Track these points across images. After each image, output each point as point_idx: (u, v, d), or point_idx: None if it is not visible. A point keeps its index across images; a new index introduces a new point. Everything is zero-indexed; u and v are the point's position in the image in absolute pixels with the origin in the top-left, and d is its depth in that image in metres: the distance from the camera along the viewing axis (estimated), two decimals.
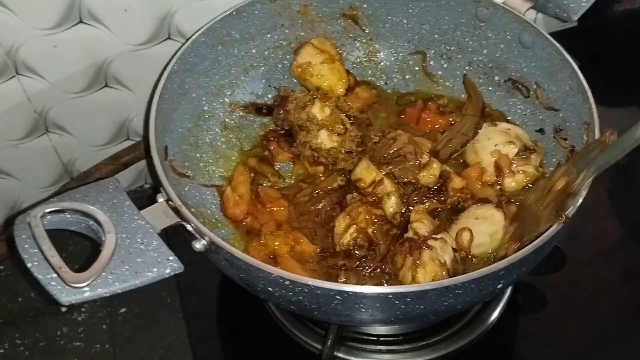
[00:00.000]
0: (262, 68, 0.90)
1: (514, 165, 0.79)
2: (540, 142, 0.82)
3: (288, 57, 0.91)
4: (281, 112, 0.86)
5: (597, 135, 0.69)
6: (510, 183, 0.79)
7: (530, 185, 0.79)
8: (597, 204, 0.91)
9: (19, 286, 0.96)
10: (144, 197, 0.61)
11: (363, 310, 0.59)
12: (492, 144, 0.80)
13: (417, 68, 0.93)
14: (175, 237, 0.65)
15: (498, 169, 0.79)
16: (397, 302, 0.57)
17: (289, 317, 0.79)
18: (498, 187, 0.79)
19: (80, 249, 0.92)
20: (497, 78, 0.88)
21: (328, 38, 0.91)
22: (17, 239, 0.55)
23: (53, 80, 0.86)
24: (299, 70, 0.88)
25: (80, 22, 0.81)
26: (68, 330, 0.92)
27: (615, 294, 0.84)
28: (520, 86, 0.85)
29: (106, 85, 0.90)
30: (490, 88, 0.89)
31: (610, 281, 0.85)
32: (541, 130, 0.83)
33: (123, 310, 0.94)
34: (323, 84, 0.87)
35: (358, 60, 0.95)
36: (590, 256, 0.86)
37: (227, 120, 0.88)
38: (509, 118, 0.87)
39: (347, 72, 0.91)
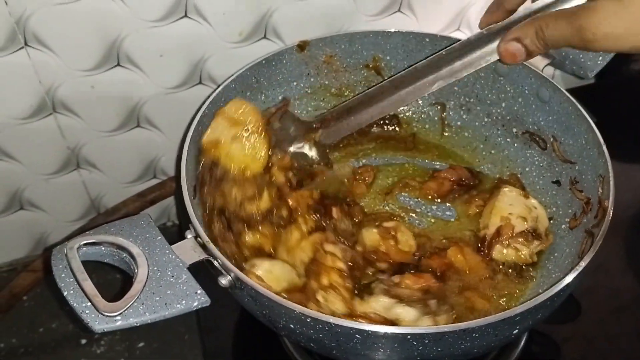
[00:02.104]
0: None
1: (512, 239, 0.79)
2: (551, 236, 0.81)
3: (312, 103, 0.95)
4: None
5: (611, 187, 0.71)
6: (499, 251, 0.79)
7: (515, 265, 0.79)
8: (613, 260, 0.91)
9: (41, 317, 0.99)
10: (166, 235, 0.64)
11: (381, 351, 0.60)
12: (507, 211, 0.81)
13: (436, 118, 0.96)
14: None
15: (497, 233, 0.80)
16: (415, 343, 0.59)
17: (307, 359, 0.81)
18: (484, 251, 0.80)
19: (101, 282, 0.94)
20: (515, 130, 0.90)
21: (245, 101, 0.80)
22: (54, 269, 0.57)
23: (88, 119, 0.90)
24: (210, 149, 0.76)
25: (118, 65, 0.85)
26: None
27: (630, 352, 0.83)
28: (537, 139, 0.87)
29: (138, 126, 0.93)
30: (508, 140, 0.91)
31: (625, 338, 0.84)
32: (557, 182, 0.84)
33: (141, 344, 0.95)
34: (233, 166, 0.76)
35: None
36: (606, 312, 0.86)
37: None
38: (526, 170, 0.89)
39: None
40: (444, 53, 0.77)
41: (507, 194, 0.83)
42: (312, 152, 0.84)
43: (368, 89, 0.84)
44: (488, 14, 0.73)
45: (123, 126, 0.92)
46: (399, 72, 0.82)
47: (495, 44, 0.72)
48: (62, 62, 0.82)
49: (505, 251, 0.79)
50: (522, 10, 0.72)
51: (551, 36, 0.63)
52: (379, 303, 0.71)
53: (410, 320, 0.69)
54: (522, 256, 0.79)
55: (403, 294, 0.72)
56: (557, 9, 0.67)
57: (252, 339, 0.85)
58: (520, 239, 0.79)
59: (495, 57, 0.73)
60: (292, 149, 0.83)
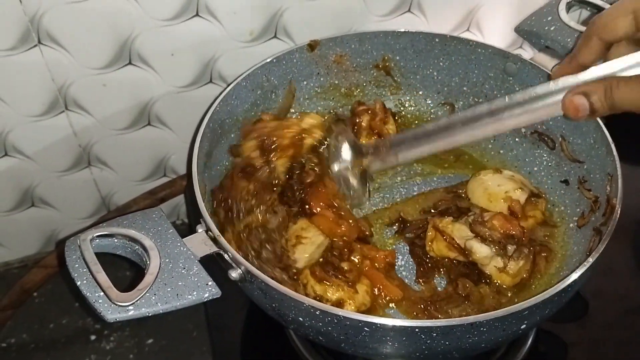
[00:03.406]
0: (296, 113, 0.94)
1: (524, 212, 0.80)
2: (542, 188, 0.85)
3: (322, 103, 0.95)
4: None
5: (620, 184, 0.71)
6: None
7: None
8: (622, 263, 0.91)
9: (51, 313, 1.00)
10: None
11: (390, 344, 0.61)
12: (503, 191, 0.81)
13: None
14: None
15: (512, 214, 0.80)
16: (423, 337, 0.59)
17: (316, 356, 0.81)
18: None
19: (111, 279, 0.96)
20: (523, 130, 0.90)
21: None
22: (68, 259, 0.58)
23: (99, 117, 0.91)
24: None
25: (130, 63, 0.86)
26: (96, 358, 0.94)
27: (638, 356, 0.83)
28: (546, 138, 0.88)
29: (149, 124, 0.94)
30: (516, 139, 0.91)
31: (633, 342, 0.84)
32: (566, 182, 0.85)
33: (150, 341, 0.96)
34: None
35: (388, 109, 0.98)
36: (614, 316, 0.86)
37: None
38: (535, 169, 0.89)
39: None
40: (506, 100, 0.70)
41: (487, 180, 0.84)
42: (354, 180, 0.81)
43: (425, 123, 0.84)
44: (562, 65, 0.71)
45: (134, 124, 0.93)
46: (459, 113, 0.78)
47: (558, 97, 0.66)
48: (75, 60, 0.83)
49: (527, 225, 0.79)
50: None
51: (620, 98, 0.61)
52: (459, 231, 0.77)
53: (483, 256, 0.75)
54: (540, 218, 0.81)
55: (483, 232, 0.75)
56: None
57: (259, 336, 0.86)
58: (530, 207, 0.81)
59: (558, 110, 0.66)
60: (336, 168, 0.82)
